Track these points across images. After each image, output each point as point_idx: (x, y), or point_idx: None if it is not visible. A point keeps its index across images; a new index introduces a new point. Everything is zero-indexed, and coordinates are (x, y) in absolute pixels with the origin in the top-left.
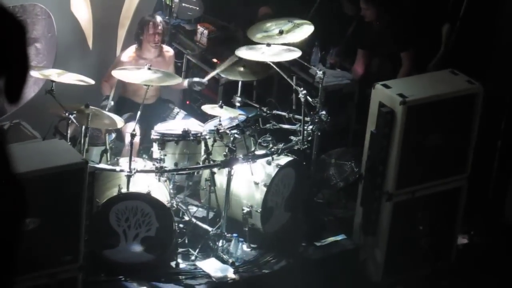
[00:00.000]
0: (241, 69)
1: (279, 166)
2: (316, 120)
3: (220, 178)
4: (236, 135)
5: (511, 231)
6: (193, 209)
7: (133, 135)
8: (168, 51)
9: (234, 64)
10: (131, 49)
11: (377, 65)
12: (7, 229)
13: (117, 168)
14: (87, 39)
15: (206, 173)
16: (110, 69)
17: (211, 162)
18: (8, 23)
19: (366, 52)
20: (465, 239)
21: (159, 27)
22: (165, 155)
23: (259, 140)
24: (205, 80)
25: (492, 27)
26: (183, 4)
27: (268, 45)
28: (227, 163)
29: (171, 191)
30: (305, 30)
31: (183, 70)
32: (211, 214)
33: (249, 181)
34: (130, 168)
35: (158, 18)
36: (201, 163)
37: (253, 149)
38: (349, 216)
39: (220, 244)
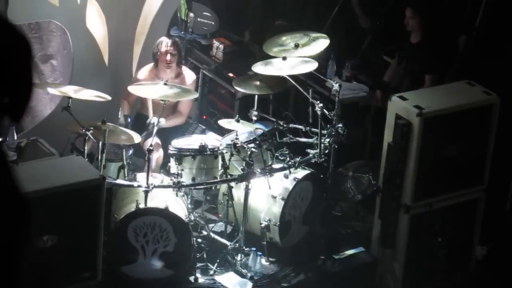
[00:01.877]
0: (257, 83)
1: (296, 179)
2: (333, 133)
3: (238, 192)
4: (253, 149)
5: None
6: (211, 223)
7: (150, 150)
8: (189, 75)
9: (250, 78)
10: (147, 68)
11: (400, 77)
12: (11, 248)
13: (135, 184)
14: (103, 56)
15: (223, 187)
16: (127, 87)
17: (229, 177)
18: (11, 40)
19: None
20: (484, 251)
21: (171, 47)
22: (183, 170)
23: (276, 154)
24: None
25: (508, 36)
26: (199, 19)
27: (284, 58)
28: (245, 177)
29: (189, 206)
30: (321, 43)
31: (200, 85)
32: (229, 229)
33: (266, 195)
34: (147, 183)
35: (171, 38)
36: (218, 177)
37: (270, 163)
38: (367, 229)
39: (238, 258)
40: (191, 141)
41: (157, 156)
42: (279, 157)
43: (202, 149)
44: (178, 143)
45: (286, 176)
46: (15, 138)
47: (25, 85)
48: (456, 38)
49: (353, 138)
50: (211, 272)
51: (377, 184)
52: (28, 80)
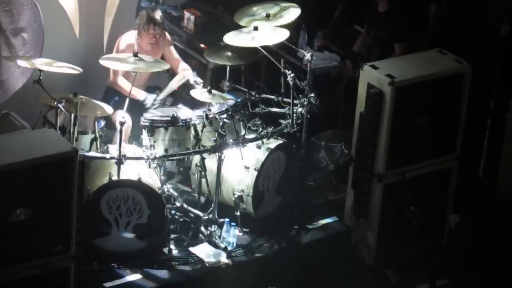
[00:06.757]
0: (229, 53)
1: (269, 149)
2: (305, 103)
3: (211, 163)
4: (225, 120)
5: (502, 209)
6: (184, 195)
7: (122, 123)
8: (166, 33)
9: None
10: (131, 36)
11: (368, 46)
12: None
13: (107, 156)
14: (73, 28)
15: (196, 158)
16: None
17: (201, 148)
18: None
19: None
20: (457, 219)
21: (159, 30)
22: (155, 141)
23: (249, 124)
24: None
25: (479, 5)
26: None
27: (256, 28)
28: (217, 148)
29: (162, 177)
30: (292, 13)
31: None
32: (202, 200)
33: (239, 165)
34: (120, 155)
35: (160, 20)
36: (191, 148)
37: (242, 133)
38: (340, 199)
39: (212, 229)
40: (163, 113)
41: (125, 127)
42: (252, 128)
43: (174, 120)
44: (150, 114)
45: (259, 147)
46: None
47: None
48: (427, 7)
49: (325, 108)
50: (185, 244)
51: (350, 154)
52: None
